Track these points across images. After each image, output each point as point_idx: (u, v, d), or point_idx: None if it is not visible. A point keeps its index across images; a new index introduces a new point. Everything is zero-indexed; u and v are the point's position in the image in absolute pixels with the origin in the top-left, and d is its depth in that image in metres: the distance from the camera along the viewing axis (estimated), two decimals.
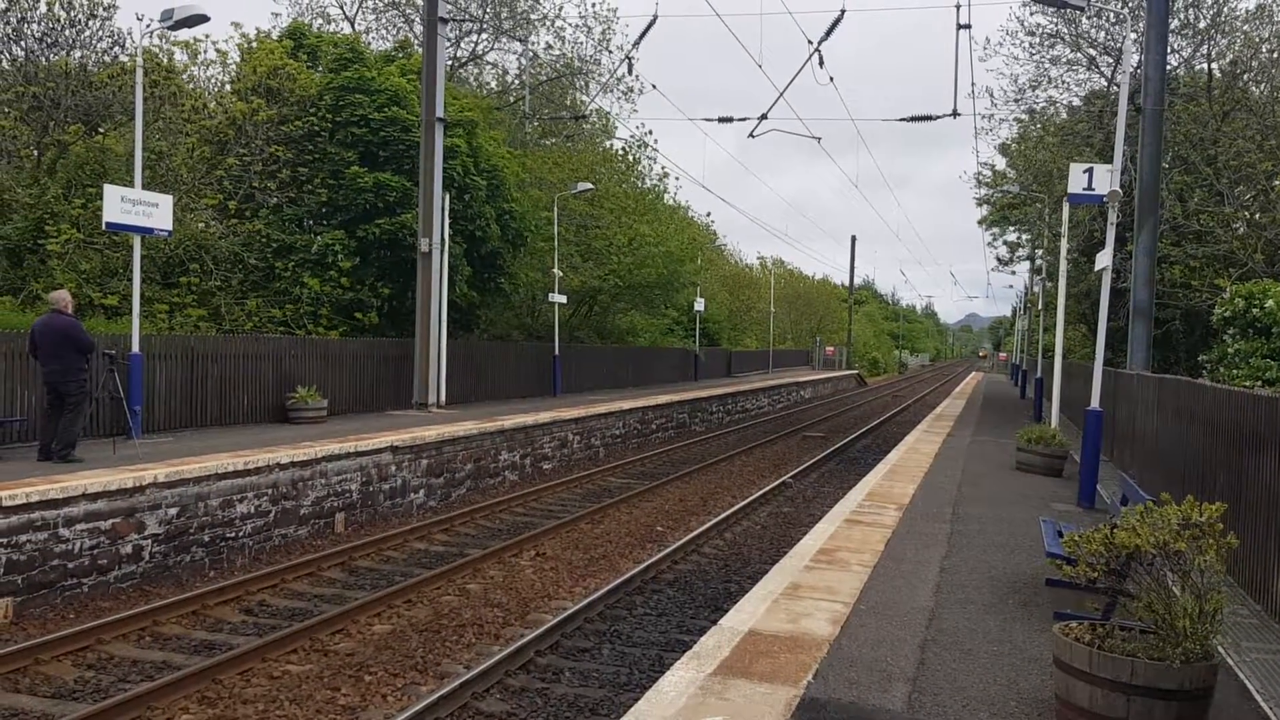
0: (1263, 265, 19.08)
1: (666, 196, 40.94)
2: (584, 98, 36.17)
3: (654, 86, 40.78)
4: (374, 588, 10.88)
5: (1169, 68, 20.10)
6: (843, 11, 19.74)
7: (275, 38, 25.18)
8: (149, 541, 10.77)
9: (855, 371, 71.69)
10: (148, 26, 15.23)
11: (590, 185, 29.10)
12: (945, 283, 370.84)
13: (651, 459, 22.76)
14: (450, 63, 32.52)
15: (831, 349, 75.60)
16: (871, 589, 7.76)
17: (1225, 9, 23.11)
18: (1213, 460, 9.60)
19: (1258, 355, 13.03)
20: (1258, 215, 21.01)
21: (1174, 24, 21.88)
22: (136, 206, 14.38)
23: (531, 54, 33.97)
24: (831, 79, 21.54)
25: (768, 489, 18.11)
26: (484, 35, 35.55)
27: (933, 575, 8.33)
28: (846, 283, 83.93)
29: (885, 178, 47.41)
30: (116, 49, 20.25)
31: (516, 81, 37.25)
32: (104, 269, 18.36)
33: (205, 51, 22.71)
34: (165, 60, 21.04)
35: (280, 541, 12.69)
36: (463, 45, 34.97)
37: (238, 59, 23.45)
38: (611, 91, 35.72)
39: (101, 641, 8.70)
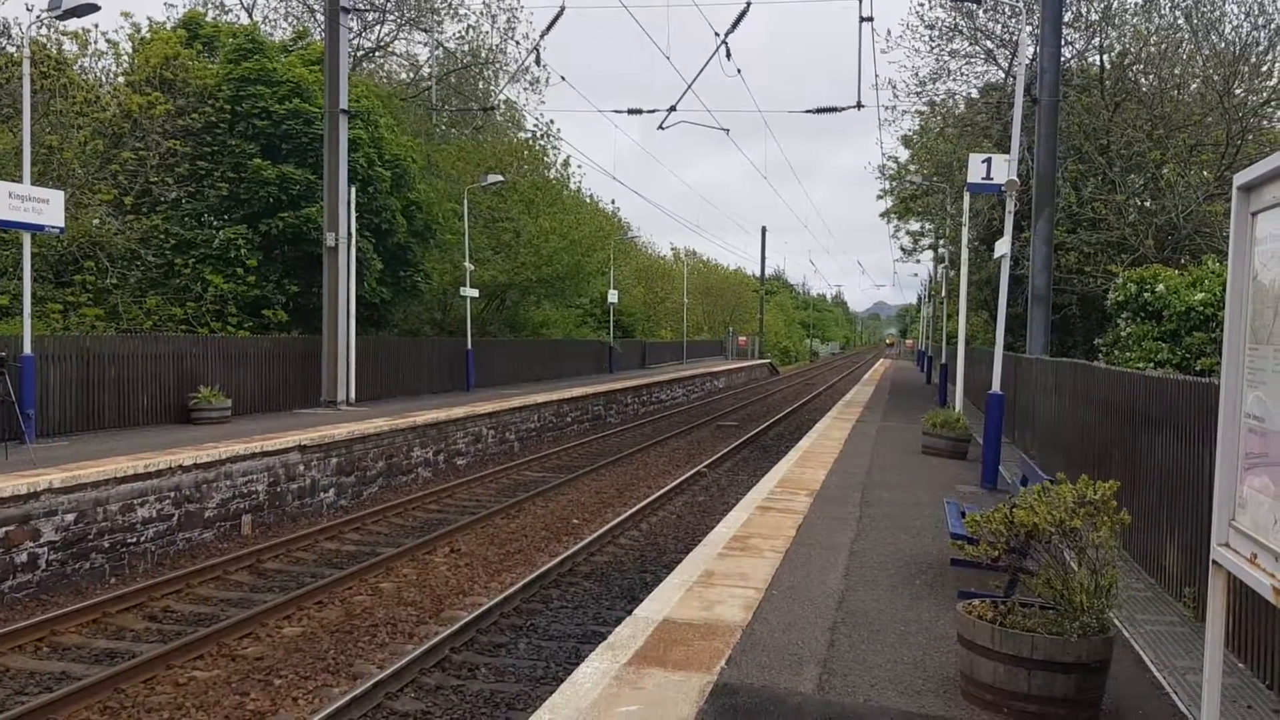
0: (1153, 251, 19.76)
1: (572, 182, 40.79)
2: (492, 88, 35.82)
3: (563, 78, 40.65)
4: (283, 590, 10.67)
5: (1063, 60, 20.71)
6: (749, 4, 19.86)
7: (169, 28, 24.41)
8: (45, 549, 10.39)
9: (768, 360, 72.53)
10: (36, 16, 14.68)
11: (500, 178, 28.83)
12: (854, 272, 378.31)
13: (567, 452, 22.73)
14: (356, 53, 31.93)
15: (744, 339, 76.43)
16: (783, 574, 7.86)
17: (1115, 3, 23.85)
18: (1108, 439, 9.94)
19: (1149, 338, 13.44)
20: (1148, 203, 21.74)
21: (1067, 17, 22.50)
22: (25, 203, 13.85)
23: (437, 44, 33.49)
24: (739, 71, 21.65)
25: (683, 479, 18.22)
26: (388, 26, 34.96)
27: (842, 559, 8.48)
28: (758, 273, 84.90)
29: (793, 168, 47.92)
30: (3, 40, 19.44)
31: (422, 73, 36.73)
32: None
33: (95, 42, 21.94)
34: (55, 51, 20.25)
35: (185, 546, 12.36)
36: (368, 35, 34.33)
37: (130, 50, 22.70)
38: (519, 82, 35.44)
39: None
